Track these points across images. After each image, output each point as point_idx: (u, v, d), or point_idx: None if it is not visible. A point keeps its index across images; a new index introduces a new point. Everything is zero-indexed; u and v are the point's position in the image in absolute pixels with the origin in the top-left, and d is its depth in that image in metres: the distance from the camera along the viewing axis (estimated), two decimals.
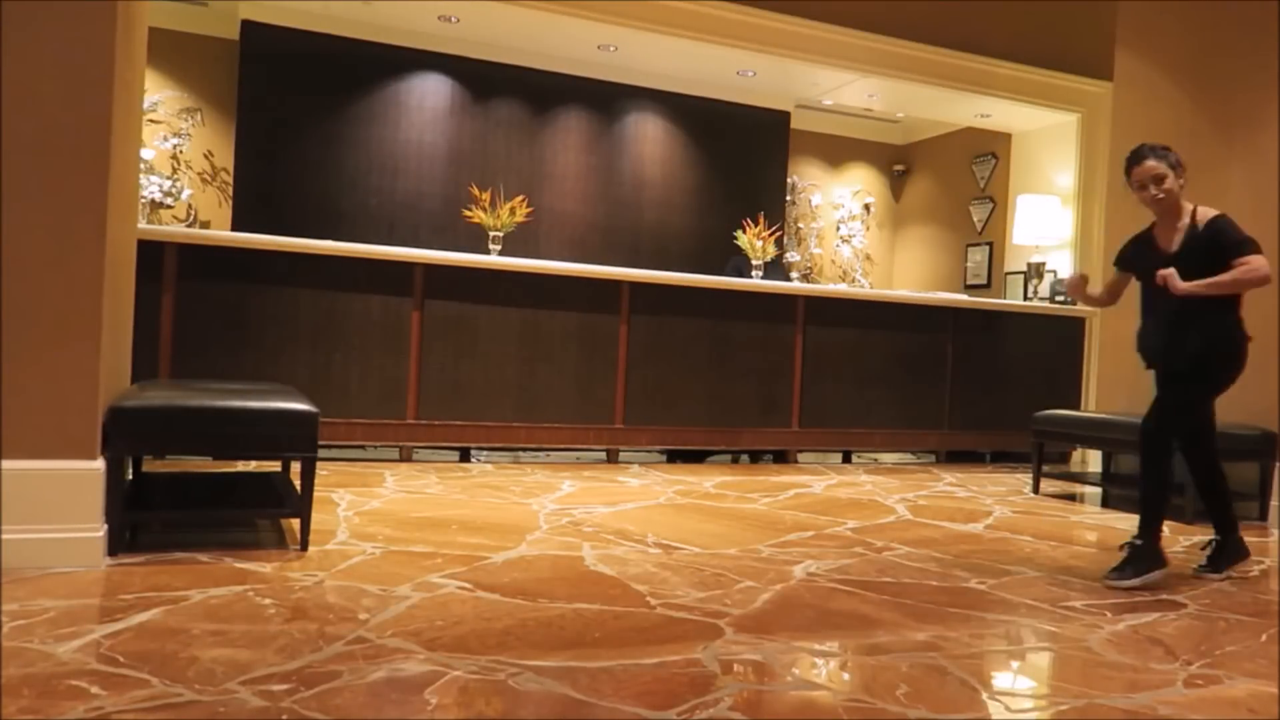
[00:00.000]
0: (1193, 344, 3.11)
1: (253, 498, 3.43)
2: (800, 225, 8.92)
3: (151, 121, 6.52)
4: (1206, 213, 3.14)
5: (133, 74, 3.24)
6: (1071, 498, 4.95)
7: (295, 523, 2.98)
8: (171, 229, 5.22)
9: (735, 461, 5.93)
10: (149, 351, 4.33)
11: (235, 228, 6.56)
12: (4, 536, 2.46)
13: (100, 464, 2.60)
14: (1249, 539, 3.98)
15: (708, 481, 4.81)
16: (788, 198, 8.63)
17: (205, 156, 6.95)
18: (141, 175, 5.99)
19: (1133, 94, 5.45)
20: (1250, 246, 3.06)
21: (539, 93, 7.44)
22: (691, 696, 1.85)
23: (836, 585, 2.81)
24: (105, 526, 2.61)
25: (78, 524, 2.55)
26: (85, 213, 2.55)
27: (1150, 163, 3.15)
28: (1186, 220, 3.14)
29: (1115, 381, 5.42)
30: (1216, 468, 3.32)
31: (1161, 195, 3.12)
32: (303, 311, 4.69)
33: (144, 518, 3.06)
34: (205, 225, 6.85)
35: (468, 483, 4.37)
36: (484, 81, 7.26)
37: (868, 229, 9.19)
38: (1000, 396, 6.31)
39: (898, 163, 9.35)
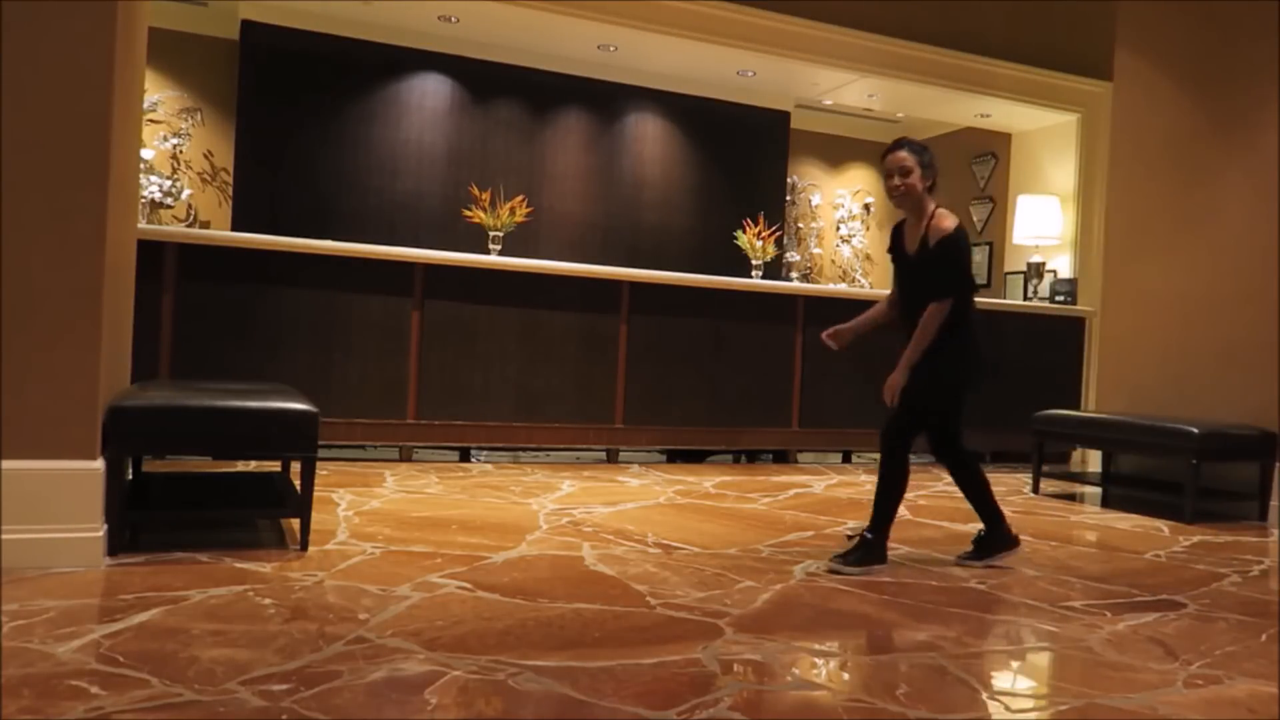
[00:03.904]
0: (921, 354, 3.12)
1: (253, 498, 3.43)
2: (800, 225, 8.92)
3: (151, 121, 6.52)
4: (940, 225, 3.06)
5: (133, 74, 3.24)
6: (1071, 498, 4.95)
7: (295, 523, 2.98)
8: (171, 229, 5.23)
9: (735, 461, 5.93)
10: (149, 351, 4.33)
11: (235, 228, 6.56)
12: (4, 536, 2.46)
13: (100, 464, 2.60)
14: (1249, 539, 3.99)
15: (707, 481, 4.81)
16: (788, 198, 8.62)
17: (205, 156, 6.95)
18: (141, 175, 5.99)
19: (1133, 94, 5.45)
20: (948, 290, 3.03)
21: (539, 93, 7.44)
22: (691, 696, 1.85)
23: (836, 585, 2.81)
24: (105, 526, 2.61)
25: (78, 524, 2.55)
26: (85, 213, 2.56)
27: (902, 154, 3.08)
28: (923, 227, 3.09)
29: (1115, 381, 5.43)
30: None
31: (900, 187, 3.07)
32: (303, 311, 4.69)
33: (144, 518, 3.06)
34: (205, 225, 6.85)
35: (468, 483, 4.37)
36: (484, 81, 7.26)
37: (868, 229, 9.19)
38: (1000, 396, 6.30)
39: None
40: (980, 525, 3.27)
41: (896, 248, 3.25)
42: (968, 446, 3.28)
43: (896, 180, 3.09)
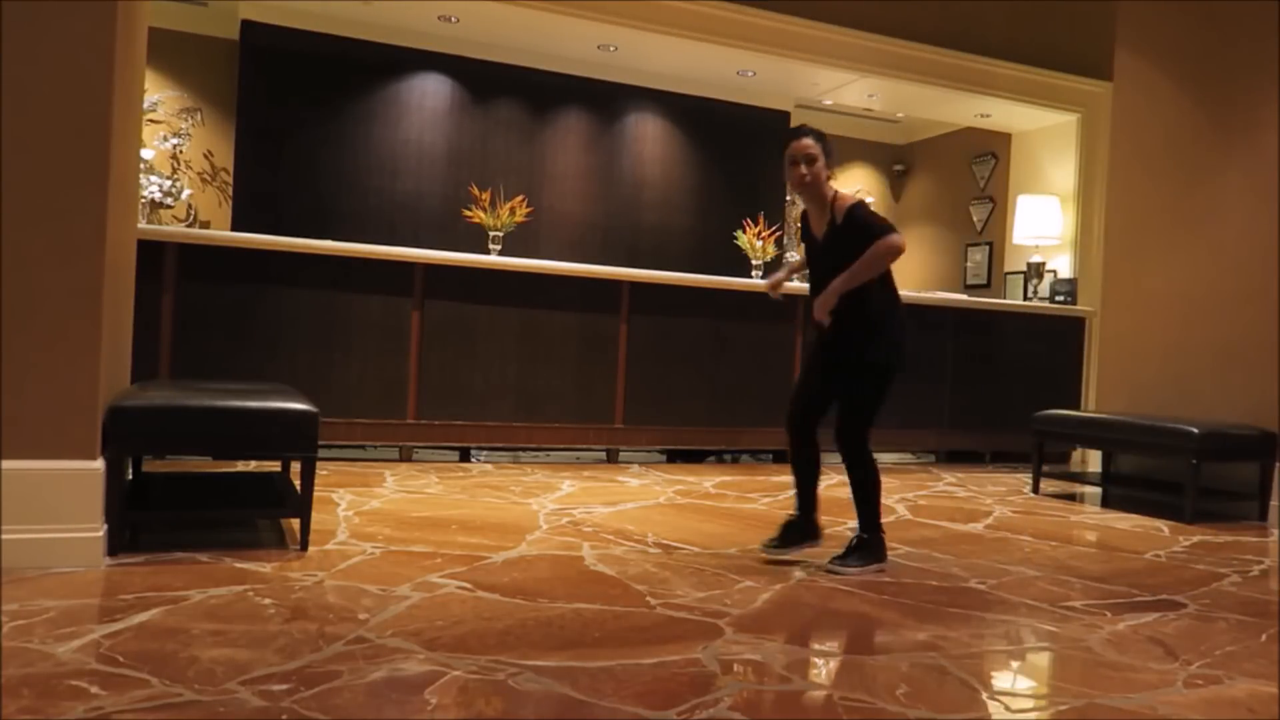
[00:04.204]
0: (852, 331, 3.07)
1: (253, 498, 3.43)
2: (800, 225, 8.91)
3: (151, 121, 6.51)
4: (843, 202, 3.07)
5: (133, 74, 3.24)
6: (1071, 498, 4.95)
7: (295, 523, 2.98)
8: (171, 229, 5.22)
9: (735, 461, 5.92)
10: (149, 351, 4.33)
11: (235, 228, 6.55)
12: (4, 536, 2.46)
13: (100, 464, 2.60)
14: (1249, 539, 3.99)
15: (707, 481, 4.81)
16: (787, 198, 8.62)
17: (205, 156, 6.95)
18: (141, 175, 5.99)
19: (1133, 94, 5.45)
20: (887, 230, 2.99)
21: (539, 93, 7.44)
22: (691, 696, 1.85)
23: (836, 585, 2.81)
24: (105, 526, 2.61)
25: (78, 524, 2.55)
26: (85, 213, 2.56)
27: (808, 141, 3.05)
28: (829, 211, 3.09)
29: (1115, 381, 5.43)
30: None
31: (807, 176, 3.04)
32: (303, 311, 4.69)
33: (144, 518, 3.06)
34: (205, 225, 6.85)
35: (468, 483, 4.37)
36: (484, 81, 7.26)
37: None
38: (1000, 396, 6.31)
39: (898, 163, 9.35)
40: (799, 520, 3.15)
41: (807, 234, 3.26)
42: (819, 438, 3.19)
43: (803, 169, 3.04)
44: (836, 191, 3.11)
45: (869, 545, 3.06)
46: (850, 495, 3.10)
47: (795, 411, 3.14)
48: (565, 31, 6.30)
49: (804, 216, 3.27)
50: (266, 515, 3.29)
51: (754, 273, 6.08)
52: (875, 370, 3.05)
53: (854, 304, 3.03)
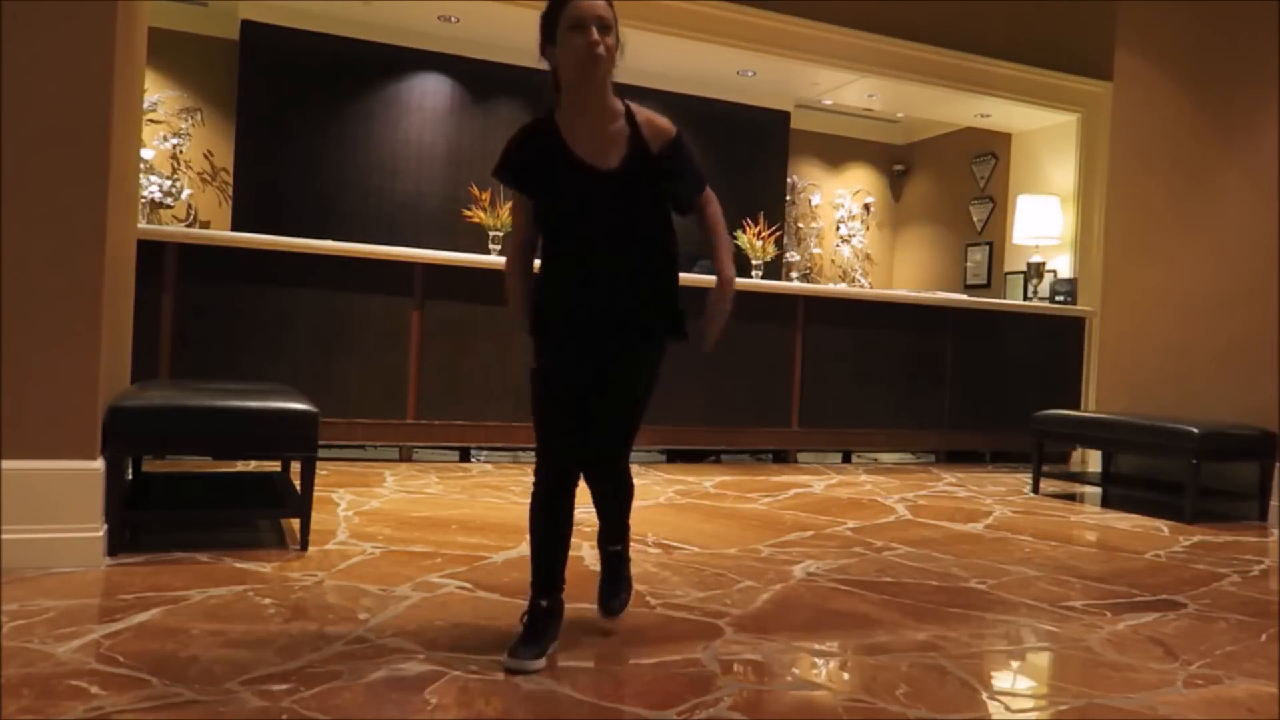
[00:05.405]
0: (666, 299, 2.27)
1: (253, 498, 3.43)
2: (800, 225, 8.92)
3: (151, 121, 6.51)
4: (659, 124, 2.16)
5: (133, 74, 3.24)
6: (1071, 498, 4.95)
7: (295, 523, 2.98)
8: (171, 229, 5.22)
9: (734, 461, 5.92)
10: (149, 351, 4.33)
11: (235, 228, 6.56)
12: (4, 536, 2.46)
13: (100, 464, 2.60)
14: (1249, 539, 3.98)
15: (707, 481, 4.81)
16: (787, 198, 8.62)
17: (205, 156, 6.95)
18: (141, 175, 5.98)
19: (1133, 94, 5.45)
20: (701, 180, 2.25)
21: (539, 93, 7.36)
22: (691, 696, 1.85)
23: (836, 585, 2.81)
24: (105, 526, 2.61)
25: (78, 524, 2.55)
26: (85, 213, 2.56)
27: (603, 4, 2.06)
28: (623, 124, 2.14)
29: (1115, 381, 5.43)
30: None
31: (600, 46, 2.04)
32: (303, 311, 4.69)
33: (144, 518, 3.06)
34: (205, 225, 6.85)
35: (468, 483, 4.37)
36: (484, 81, 7.25)
37: (867, 229, 9.19)
38: (1000, 396, 6.31)
39: (898, 163, 9.35)
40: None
41: (554, 163, 2.20)
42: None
43: (596, 36, 2.03)
44: (627, 103, 2.18)
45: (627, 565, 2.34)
46: (609, 517, 2.28)
47: (571, 446, 2.10)
48: None
49: (543, 139, 2.25)
50: (266, 515, 3.29)
51: (754, 273, 6.09)
52: (663, 346, 2.31)
53: (667, 263, 2.27)
